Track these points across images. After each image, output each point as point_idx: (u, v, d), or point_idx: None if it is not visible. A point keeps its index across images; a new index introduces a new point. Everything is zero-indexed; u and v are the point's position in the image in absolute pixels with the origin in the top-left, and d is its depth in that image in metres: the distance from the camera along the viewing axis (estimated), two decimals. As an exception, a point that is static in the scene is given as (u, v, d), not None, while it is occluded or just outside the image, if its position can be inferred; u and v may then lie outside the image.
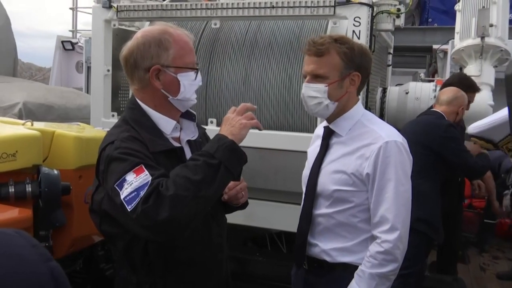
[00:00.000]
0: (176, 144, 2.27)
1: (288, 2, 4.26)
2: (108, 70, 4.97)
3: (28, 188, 2.85)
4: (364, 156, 2.44)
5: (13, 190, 2.80)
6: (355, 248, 2.52)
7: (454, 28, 5.91)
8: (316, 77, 2.50)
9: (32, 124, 3.31)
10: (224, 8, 4.47)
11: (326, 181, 2.55)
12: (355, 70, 2.50)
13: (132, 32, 5.32)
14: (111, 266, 3.68)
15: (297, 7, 4.22)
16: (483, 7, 5.46)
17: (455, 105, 4.32)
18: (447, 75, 7.63)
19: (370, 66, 2.60)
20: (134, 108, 2.27)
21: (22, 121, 3.43)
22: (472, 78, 5.09)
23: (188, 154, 2.30)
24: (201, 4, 4.56)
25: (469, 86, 4.63)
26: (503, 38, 5.50)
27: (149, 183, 1.92)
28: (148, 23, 5.10)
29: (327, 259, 2.57)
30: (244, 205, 2.55)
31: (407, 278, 3.42)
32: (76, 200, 3.19)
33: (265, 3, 4.34)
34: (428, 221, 3.98)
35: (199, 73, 2.30)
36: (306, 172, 2.73)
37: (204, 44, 4.81)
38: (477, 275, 6.33)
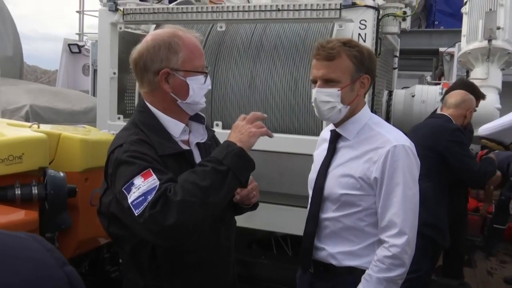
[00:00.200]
0: (185, 147, 2.27)
1: (293, 5, 4.26)
2: (114, 73, 4.99)
3: (34, 191, 2.85)
4: (371, 160, 2.43)
5: (19, 192, 2.80)
6: (362, 252, 2.50)
7: (460, 31, 5.89)
8: (327, 82, 2.48)
9: (38, 127, 3.32)
10: (230, 11, 4.48)
11: (333, 185, 2.54)
12: (365, 73, 2.50)
13: (138, 35, 5.34)
14: (117, 268, 3.68)
15: (303, 10, 4.22)
16: (490, 9, 5.43)
17: (463, 108, 4.29)
18: (454, 78, 7.61)
19: (376, 69, 2.61)
20: (143, 111, 2.27)
21: (28, 124, 3.44)
22: (479, 81, 5.08)
23: (197, 156, 2.31)
24: (207, 7, 4.57)
25: (472, 93, 4.61)
26: (510, 40, 5.47)
27: (157, 187, 1.92)
28: (154, 26, 5.11)
29: (334, 262, 2.56)
30: (255, 206, 2.53)
31: (413, 282, 3.40)
32: (82, 203, 3.20)
33: (271, 6, 4.35)
34: (435, 225, 3.96)
35: (208, 77, 2.30)
36: (312, 175, 2.72)
37: (210, 47, 4.82)
38: (484, 279, 6.30)
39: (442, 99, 4.76)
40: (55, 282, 0.89)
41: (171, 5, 4.95)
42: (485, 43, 5.36)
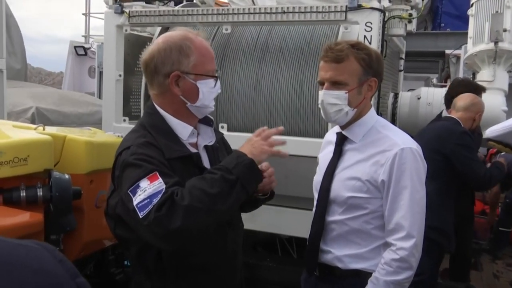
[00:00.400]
0: (193, 150, 2.26)
1: (299, 7, 4.26)
2: (120, 75, 5.00)
3: (39, 193, 2.85)
4: (379, 163, 2.43)
5: (24, 194, 2.81)
6: (368, 255, 2.49)
7: (467, 33, 5.86)
8: (335, 84, 2.47)
9: (43, 129, 3.33)
10: (235, 13, 4.48)
11: (340, 188, 2.53)
12: (372, 76, 2.49)
13: (144, 37, 5.35)
14: (122, 270, 3.68)
15: (308, 12, 4.21)
16: (497, 11, 5.41)
17: (472, 111, 4.26)
18: (460, 81, 7.57)
19: (383, 72, 2.60)
20: (152, 113, 2.27)
21: (34, 126, 3.45)
22: (485, 83, 5.06)
23: (205, 159, 2.31)
24: (212, 10, 4.57)
25: (475, 89, 4.60)
26: (516, 43, 5.45)
27: (163, 191, 1.92)
28: (159, 28, 5.12)
29: (340, 265, 2.55)
30: (271, 195, 2.50)
31: (418, 285, 3.39)
32: (87, 205, 3.20)
33: (276, 8, 4.35)
34: (440, 229, 3.93)
35: (218, 80, 2.30)
36: (318, 178, 2.71)
37: (215, 49, 4.81)
38: (490, 282, 6.26)
39: (446, 102, 4.75)
40: None
41: (176, 8, 4.97)
42: (491, 45, 5.33)
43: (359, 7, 4.09)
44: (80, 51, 11.54)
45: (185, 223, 1.87)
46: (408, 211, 2.37)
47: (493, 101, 4.93)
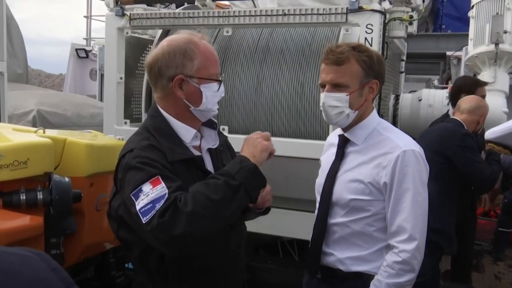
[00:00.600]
0: (196, 153, 2.27)
1: (300, 10, 4.25)
2: (121, 78, 4.99)
3: (39, 196, 2.86)
4: (381, 165, 2.42)
5: (24, 197, 2.81)
6: (370, 257, 2.49)
7: (468, 35, 5.86)
8: (336, 86, 2.47)
9: (44, 132, 3.33)
10: (236, 16, 4.47)
11: (342, 190, 2.53)
12: (374, 78, 2.49)
13: (145, 40, 5.35)
14: (122, 273, 3.68)
15: (309, 14, 4.21)
16: (497, 13, 5.40)
17: (477, 114, 4.24)
18: (461, 82, 7.56)
19: (385, 74, 2.60)
20: (156, 116, 2.28)
21: (34, 129, 3.45)
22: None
23: (208, 162, 2.32)
24: (213, 12, 4.57)
25: (475, 83, 4.60)
26: (517, 44, 5.44)
27: (165, 196, 1.92)
28: (160, 31, 5.12)
29: (342, 268, 2.54)
30: (267, 210, 2.51)
31: (421, 286, 3.37)
32: (87, 208, 3.20)
33: (277, 10, 4.34)
34: (441, 231, 3.91)
35: (222, 84, 2.30)
36: (320, 180, 2.71)
37: (216, 51, 4.80)
38: (492, 284, 6.24)
39: (451, 102, 4.74)
40: None
41: (177, 10, 4.96)
42: (492, 47, 5.33)
43: (360, 9, 4.08)
44: (82, 54, 11.55)
45: (188, 229, 1.88)
46: (411, 214, 2.37)
47: (493, 102, 4.92)
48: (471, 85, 4.75)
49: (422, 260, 2.44)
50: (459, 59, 8.24)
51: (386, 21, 4.27)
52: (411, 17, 4.45)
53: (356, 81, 2.46)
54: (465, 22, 6.86)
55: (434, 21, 11.75)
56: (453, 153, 4.03)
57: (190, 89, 2.21)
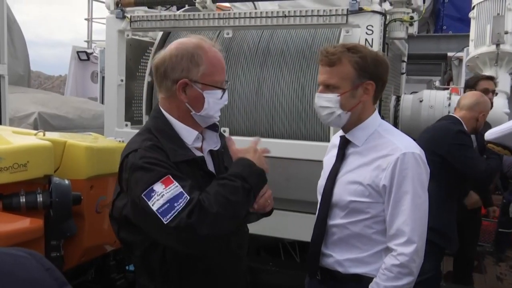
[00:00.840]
0: (198, 154, 2.28)
1: (300, 11, 4.25)
2: (122, 80, 4.99)
3: (39, 198, 2.86)
4: (380, 168, 2.41)
5: (24, 200, 2.81)
6: (369, 259, 2.48)
7: (469, 36, 5.86)
8: (328, 87, 2.48)
9: (44, 134, 3.32)
10: (237, 18, 4.47)
11: (342, 192, 2.53)
12: (368, 79, 2.47)
13: (146, 42, 5.35)
14: (123, 276, 3.67)
15: (310, 16, 4.20)
16: (498, 14, 5.40)
17: (476, 110, 4.19)
18: (462, 83, 7.56)
19: (386, 75, 2.55)
20: (158, 117, 2.30)
21: (34, 131, 3.45)
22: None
23: (209, 163, 2.33)
24: (213, 14, 4.56)
25: (476, 78, 4.60)
26: (518, 45, 5.44)
27: (183, 195, 1.96)
28: (161, 33, 5.12)
29: (340, 269, 2.54)
30: (269, 213, 2.53)
31: (419, 286, 3.36)
32: (87, 210, 3.20)
33: (278, 12, 4.34)
34: (439, 230, 3.81)
35: (226, 92, 2.31)
36: (321, 181, 2.70)
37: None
38: (494, 285, 6.23)
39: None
40: None
41: (178, 12, 4.96)
42: (493, 47, 5.33)
43: (360, 10, 4.08)
44: (83, 56, 11.56)
45: (213, 230, 1.95)
46: (410, 217, 2.36)
47: (495, 103, 4.91)
48: (472, 82, 4.74)
49: (422, 262, 2.43)
50: (460, 60, 8.25)
51: (387, 22, 4.26)
52: (411, 18, 4.44)
53: (348, 82, 2.45)
54: (466, 23, 6.86)
55: (435, 22, 11.76)
56: (446, 151, 4.00)
57: (193, 94, 2.22)
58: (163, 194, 1.96)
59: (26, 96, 7.27)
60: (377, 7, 4.11)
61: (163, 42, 5.07)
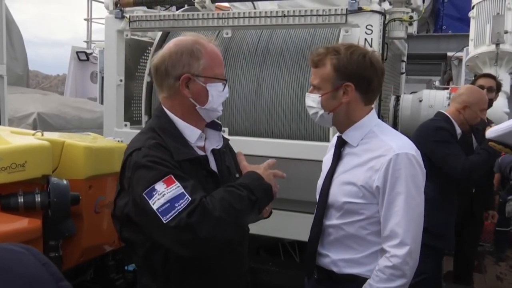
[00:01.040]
0: (201, 153, 2.29)
1: (299, 11, 4.25)
2: (121, 80, 4.99)
3: (37, 198, 2.85)
4: (373, 168, 2.39)
5: (22, 200, 2.80)
6: (364, 260, 2.47)
7: (468, 35, 5.86)
8: (314, 88, 2.52)
9: (42, 134, 3.32)
10: (236, 18, 4.47)
11: (337, 192, 2.52)
12: (347, 80, 2.43)
13: (145, 42, 5.35)
14: (122, 276, 3.67)
15: (309, 15, 4.20)
16: (498, 13, 5.40)
17: (458, 102, 4.10)
18: (462, 83, 7.57)
19: (372, 75, 2.47)
20: (161, 116, 2.31)
21: (32, 131, 3.44)
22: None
23: (212, 163, 2.34)
24: (213, 14, 4.56)
25: (475, 77, 4.58)
26: (518, 44, 5.43)
27: (184, 195, 1.96)
28: (160, 33, 5.12)
29: (335, 269, 2.54)
30: (268, 216, 2.53)
31: (422, 285, 3.35)
32: (86, 210, 3.20)
33: (277, 12, 4.34)
34: (435, 232, 3.70)
35: (226, 85, 2.33)
36: (320, 181, 2.70)
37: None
38: (494, 285, 6.24)
39: None
40: None
41: (177, 12, 4.96)
42: (492, 47, 5.33)
43: (360, 10, 4.07)
44: (82, 57, 11.57)
45: (213, 233, 1.95)
46: (403, 218, 2.34)
47: (495, 103, 4.90)
48: (472, 82, 4.71)
49: (417, 264, 2.41)
50: (460, 59, 8.25)
51: (386, 22, 4.25)
52: (411, 17, 4.43)
53: (328, 83, 2.46)
54: (466, 22, 6.87)
55: (434, 22, 11.76)
56: (429, 150, 3.85)
57: (197, 87, 2.23)
58: (164, 193, 1.96)
59: (25, 96, 7.28)
60: (376, 7, 4.11)
61: (162, 42, 5.06)
